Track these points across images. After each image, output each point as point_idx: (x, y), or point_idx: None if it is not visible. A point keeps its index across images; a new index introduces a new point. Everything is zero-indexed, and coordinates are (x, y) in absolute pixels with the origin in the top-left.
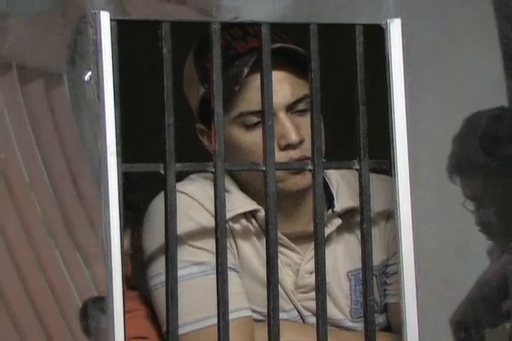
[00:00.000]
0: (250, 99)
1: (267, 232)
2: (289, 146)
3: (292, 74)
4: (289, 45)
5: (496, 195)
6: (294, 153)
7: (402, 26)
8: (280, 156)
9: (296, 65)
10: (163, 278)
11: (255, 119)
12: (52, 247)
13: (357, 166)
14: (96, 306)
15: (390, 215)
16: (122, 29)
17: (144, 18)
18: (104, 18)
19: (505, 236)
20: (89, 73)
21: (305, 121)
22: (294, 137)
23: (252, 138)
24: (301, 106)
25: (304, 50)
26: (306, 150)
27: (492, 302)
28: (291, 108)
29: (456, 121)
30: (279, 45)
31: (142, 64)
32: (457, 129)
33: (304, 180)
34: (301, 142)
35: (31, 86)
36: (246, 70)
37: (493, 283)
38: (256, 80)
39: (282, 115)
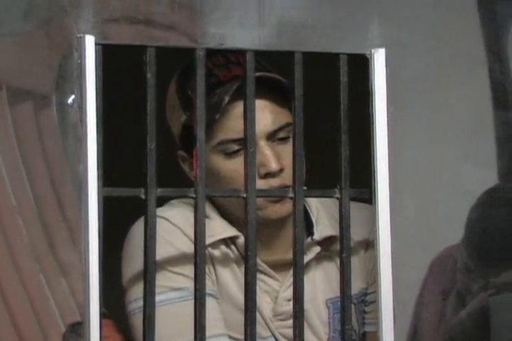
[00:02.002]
0: (231, 127)
1: (246, 259)
2: (268, 174)
3: (273, 103)
4: (271, 73)
5: None
6: (274, 182)
7: (386, 56)
8: (260, 184)
9: (277, 93)
10: (141, 303)
11: (235, 147)
12: (36, 271)
13: (338, 195)
14: (75, 331)
15: (370, 244)
16: (107, 53)
17: (129, 43)
18: (89, 42)
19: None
20: (73, 96)
21: (286, 149)
22: (274, 165)
23: (233, 166)
24: (282, 134)
25: (287, 79)
26: (286, 178)
27: None
28: (271, 136)
29: (439, 151)
30: (261, 73)
31: (126, 88)
32: (439, 161)
33: (284, 208)
34: (281, 170)
35: (19, 107)
36: (227, 98)
37: (471, 323)
38: (237, 108)
39: (263, 143)
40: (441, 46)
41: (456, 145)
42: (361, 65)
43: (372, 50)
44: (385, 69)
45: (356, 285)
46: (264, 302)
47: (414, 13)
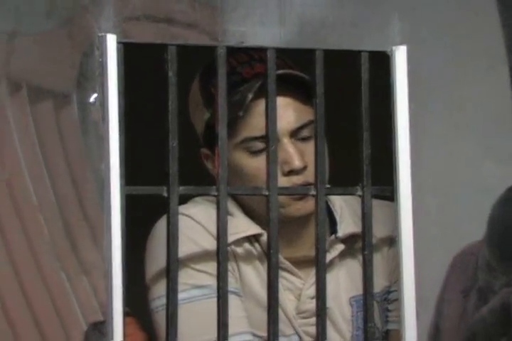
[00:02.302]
0: (254, 124)
1: (269, 256)
2: (292, 172)
3: (296, 100)
4: (294, 71)
5: None
6: (297, 179)
7: (407, 53)
8: (283, 182)
9: (300, 91)
10: (164, 300)
11: (259, 145)
12: (58, 270)
13: (360, 193)
14: (97, 329)
15: (393, 241)
16: (128, 52)
17: (150, 41)
18: (111, 41)
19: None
20: (95, 95)
21: (309, 146)
22: (297, 163)
23: (256, 164)
24: (305, 132)
25: (309, 76)
26: (309, 176)
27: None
28: (295, 134)
29: (460, 148)
30: (284, 71)
31: (147, 87)
32: (460, 158)
33: (307, 206)
34: (304, 168)
35: (40, 106)
36: (250, 96)
37: (492, 319)
38: (260, 106)
39: (286, 141)
40: (461, 43)
41: (477, 142)
42: (382, 62)
43: (393, 48)
44: (406, 66)
45: (379, 283)
46: (287, 300)
47: (434, 10)
